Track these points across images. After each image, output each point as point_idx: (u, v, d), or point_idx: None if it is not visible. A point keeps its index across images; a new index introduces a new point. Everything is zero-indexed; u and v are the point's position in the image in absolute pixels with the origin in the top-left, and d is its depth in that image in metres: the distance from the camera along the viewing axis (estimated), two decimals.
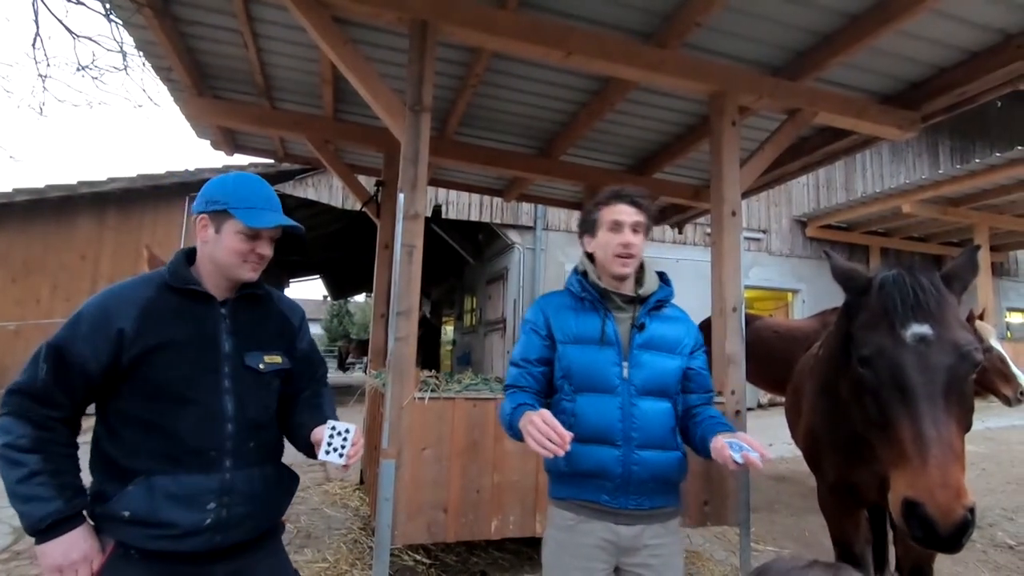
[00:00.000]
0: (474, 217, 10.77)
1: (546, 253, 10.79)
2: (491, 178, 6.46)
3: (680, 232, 8.24)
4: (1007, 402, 3.37)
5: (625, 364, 1.63)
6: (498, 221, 10.91)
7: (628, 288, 1.71)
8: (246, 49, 3.91)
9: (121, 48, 4.57)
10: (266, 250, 1.45)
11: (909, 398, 1.46)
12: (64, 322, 1.33)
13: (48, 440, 1.26)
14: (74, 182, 8.99)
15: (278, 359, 1.49)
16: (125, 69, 4.45)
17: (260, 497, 1.40)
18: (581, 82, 4.26)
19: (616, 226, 1.67)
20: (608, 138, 5.28)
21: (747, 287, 11.84)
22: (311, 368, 1.63)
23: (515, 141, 5.37)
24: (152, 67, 4.26)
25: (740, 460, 1.40)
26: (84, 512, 1.29)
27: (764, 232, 12.28)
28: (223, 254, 1.41)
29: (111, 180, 9.08)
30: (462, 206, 10.66)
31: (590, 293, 1.70)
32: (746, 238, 11.92)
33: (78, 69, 4.79)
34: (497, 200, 9.78)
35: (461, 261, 13.95)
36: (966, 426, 1.57)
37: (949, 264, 1.69)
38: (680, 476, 1.66)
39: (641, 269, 1.76)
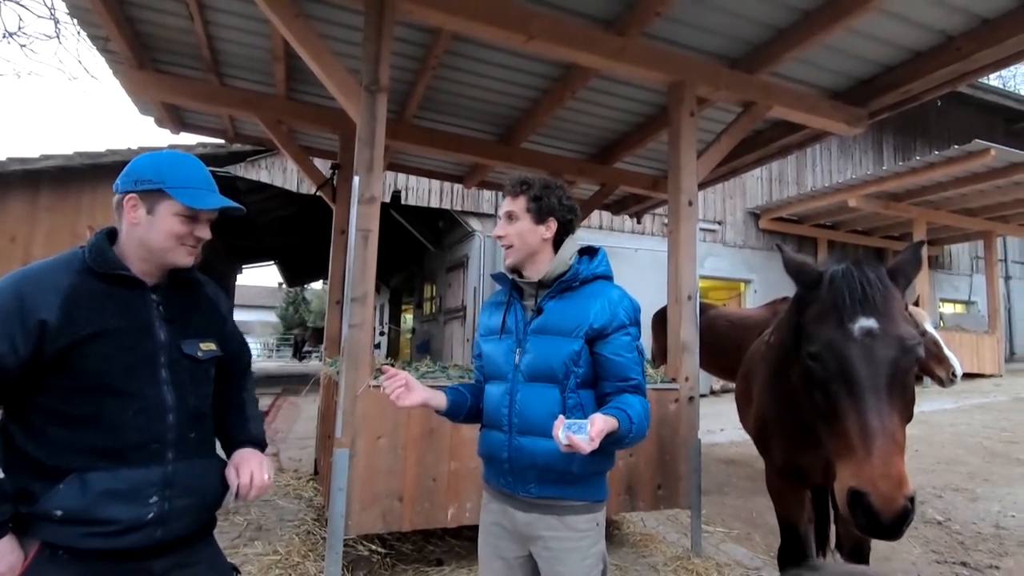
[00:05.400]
0: (434, 203, 10.62)
1: None
2: (451, 164, 6.37)
3: (639, 222, 8.36)
4: (941, 383, 3.55)
5: (518, 351, 1.62)
6: (458, 208, 10.80)
7: (534, 273, 1.66)
8: (191, 20, 3.70)
9: (52, 14, 4.28)
10: (205, 232, 1.38)
11: (855, 390, 1.52)
12: None
13: None
14: (3, 158, 8.40)
15: (213, 346, 1.43)
16: (57, 37, 4.16)
17: (202, 488, 1.35)
18: (542, 68, 4.23)
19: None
20: (569, 126, 5.28)
21: (702, 277, 12.12)
22: (238, 356, 1.57)
23: (476, 127, 5.30)
24: (87, 36, 4.00)
25: (564, 441, 1.33)
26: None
27: (719, 223, 12.59)
28: (158, 237, 1.32)
29: (45, 157, 8.50)
30: (422, 192, 10.49)
31: (504, 284, 1.74)
32: (702, 229, 12.19)
33: (4, 36, 4.46)
34: (457, 187, 9.67)
35: (421, 248, 13.79)
36: (908, 417, 1.64)
37: (894, 259, 1.75)
38: (570, 467, 1.49)
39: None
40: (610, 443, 1.42)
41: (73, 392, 1.22)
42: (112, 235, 1.36)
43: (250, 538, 3.46)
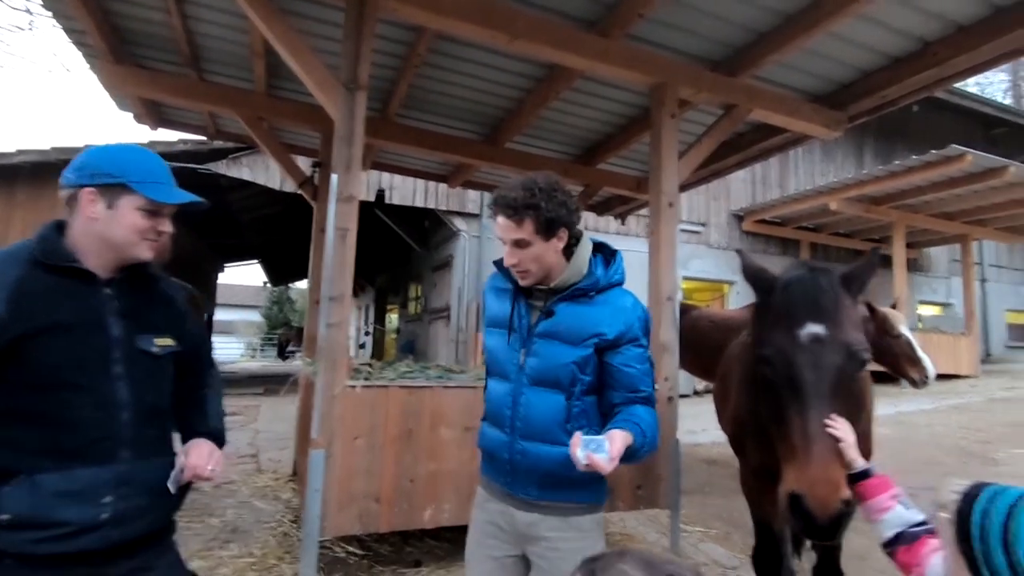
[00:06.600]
0: (419, 203, 10.59)
1: (492, 241, 10.75)
2: (435, 163, 6.35)
3: (623, 223, 8.37)
4: (914, 384, 3.61)
5: (523, 351, 1.57)
6: (443, 208, 10.77)
7: (547, 281, 1.60)
8: (168, 14, 3.65)
9: (27, 7, 4.19)
10: (167, 226, 1.36)
11: (799, 395, 1.54)
12: None
13: None
14: None
15: (170, 341, 1.40)
16: (30, 29, 4.07)
17: (161, 488, 1.32)
18: (526, 68, 4.22)
19: (502, 241, 1.57)
20: (553, 127, 5.28)
21: (686, 278, 12.21)
22: (198, 351, 1.53)
23: (460, 126, 5.28)
24: (63, 29, 3.92)
25: (584, 461, 1.30)
26: None
27: (703, 225, 12.69)
28: (120, 232, 1.29)
29: (20, 152, 8.36)
30: (406, 191, 10.44)
31: (510, 281, 1.66)
32: (686, 231, 12.27)
33: None
34: (442, 186, 9.64)
35: (407, 248, 13.74)
36: (856, 421, 1.66)
37: (849, 266, 1.78)
38: (573, 473, 1.39)
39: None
40: (624, 457, 1.39)
41: (21, 388, 1.19)
42: (62, 227, 1.32)
43: (225, 540, 3.40)
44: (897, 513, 1.32)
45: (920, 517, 1.30)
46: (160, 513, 1.35)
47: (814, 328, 1.58)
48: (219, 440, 1.46)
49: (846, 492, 1.42)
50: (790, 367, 1.57)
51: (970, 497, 1.01)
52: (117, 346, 1.29)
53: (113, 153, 1.32)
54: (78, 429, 1.21)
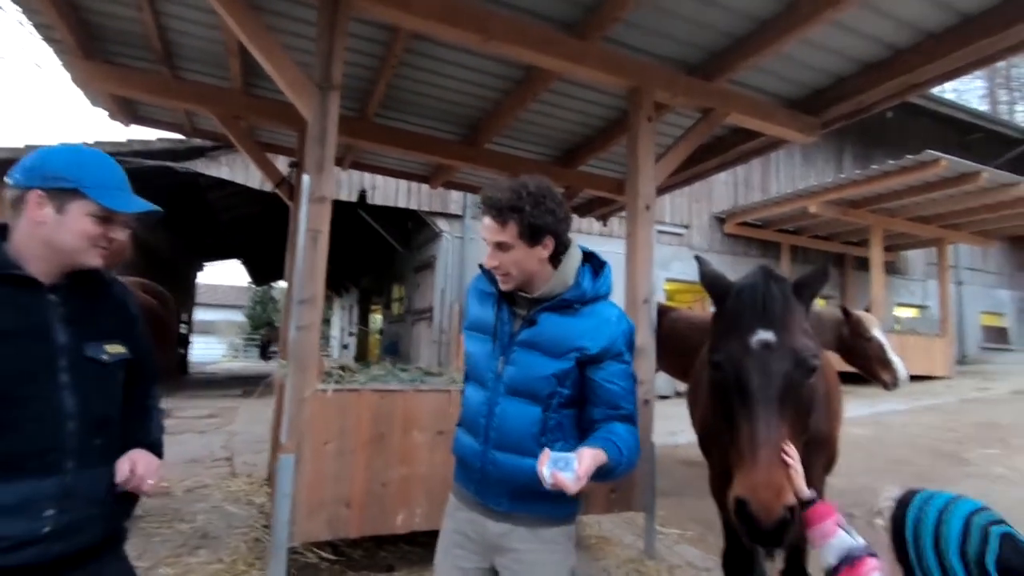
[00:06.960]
0: (401, 203, 10.53)
1: (475, 242, 10.73)
2: (416, 164, 6.31)
3: (605, 225, 8.39)
4: (885, 386, 3.65)
5: (502, 360, 1.53)
6: (426, 208, 10.72)
7: (532, 290, 1.55)
8: (139, 10, 3.58)
9: None
10: (120, 234, 1.32)
11: (747, 401, 1.55)
12: None
13: None
14: None
15: (121, 348, 1.35)
16: None
17: (108, 498, 1.28)
18: (504, 69, 4.21)
19: (486, 241, 1.53)
20: (533, 128, 5.27)
21: (668, 280, 12.28)
22: (147, 360, 1.49)
23: (439, 127, 5.25)
24: (32, 24, 3.82)
25: (549, 480, 1.27)
26: None
27: (686, 227, 12.77)
28: (69, 238, 1.25)
29: None
30: (389, 192, 10.38)
31: (495, 285, 1.61)
32: (669, 233, 12.35)
33: None
34: (425, 187, 9.58)
35: (390, 249, 13.66)
36: (804, 428, 1.68)
37: (801, 274, 1.81)
38: (544, 486, 1.32)
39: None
40: (598, 475, 1.36)
41: None
42: (3, 231, 1.27)
43: (195, 546, 3.34)
44: (840, 539, 1.34)
45: (862, 542, 1.32)
46: (107, 524, 1.31)
47: (764, 335, 1.59)
48: (158, 453, 1.43)
49: (790, 498, 1.42)
50: (739, 373, 1.58)
51: (904, 503, 1.05)
52: (63, 354, 1.24)
53: (66, 155, 1.28)
54: (21, 440, 1.17)
